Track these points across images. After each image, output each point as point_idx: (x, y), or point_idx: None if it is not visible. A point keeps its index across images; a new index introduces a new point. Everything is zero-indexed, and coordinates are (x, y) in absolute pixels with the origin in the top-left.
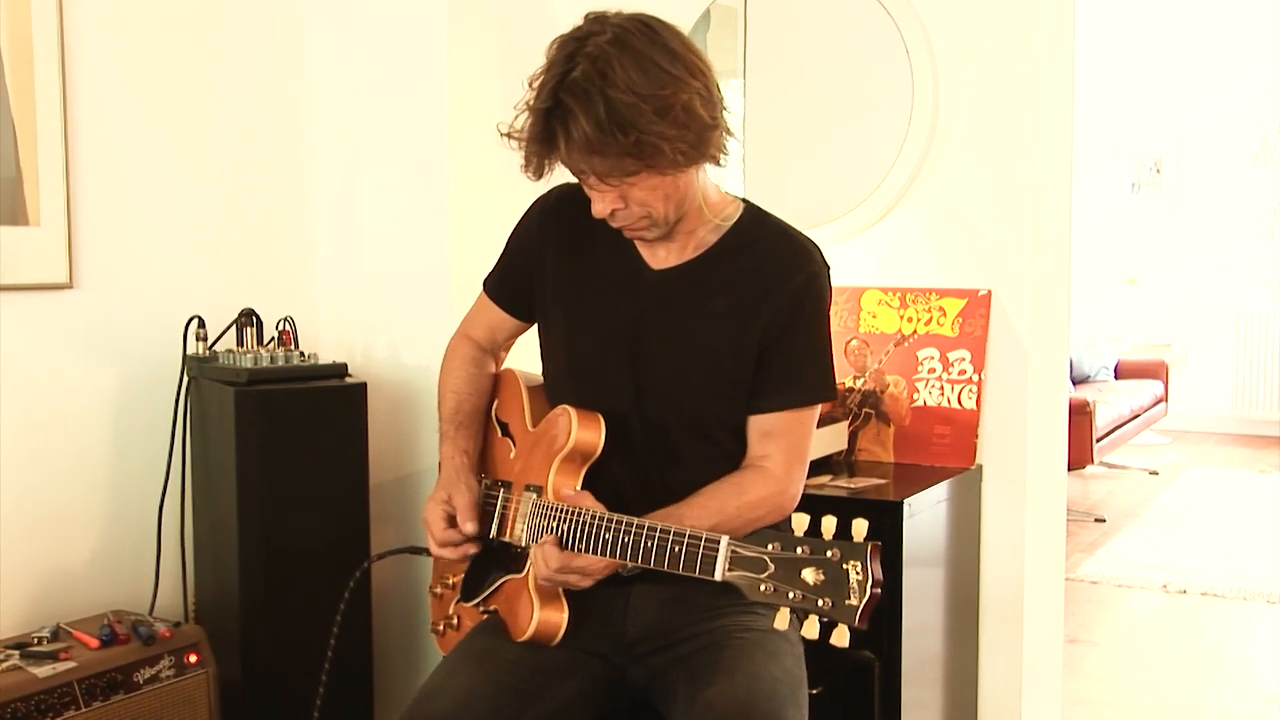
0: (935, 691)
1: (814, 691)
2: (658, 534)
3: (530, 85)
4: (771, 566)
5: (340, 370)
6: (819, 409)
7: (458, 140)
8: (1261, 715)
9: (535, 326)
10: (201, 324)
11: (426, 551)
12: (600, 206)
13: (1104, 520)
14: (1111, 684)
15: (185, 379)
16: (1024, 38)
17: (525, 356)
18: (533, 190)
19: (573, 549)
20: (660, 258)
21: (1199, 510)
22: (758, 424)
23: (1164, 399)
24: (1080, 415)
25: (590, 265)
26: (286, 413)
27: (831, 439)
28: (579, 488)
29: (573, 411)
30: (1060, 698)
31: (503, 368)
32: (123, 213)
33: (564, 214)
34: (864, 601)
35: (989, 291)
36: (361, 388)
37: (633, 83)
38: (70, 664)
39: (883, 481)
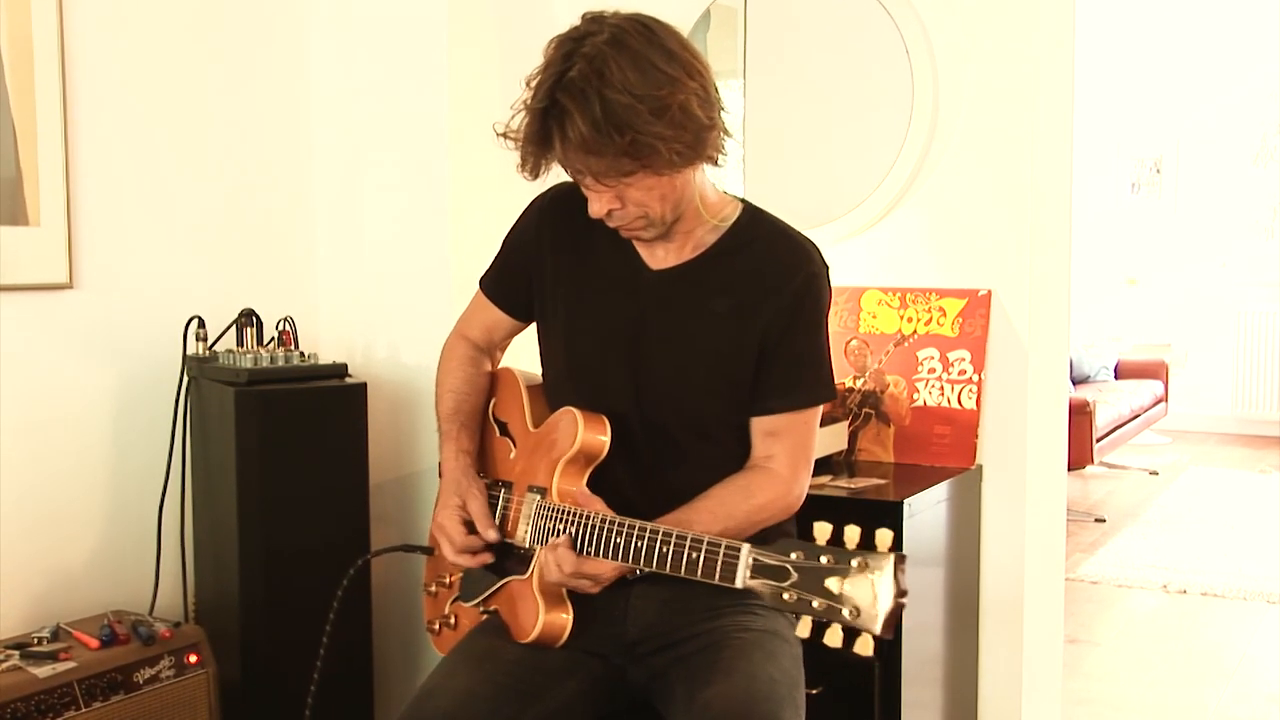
0: (935, 691)
1: (814, 691)
2: (673, 540)
3: (527, 85)
4: (795, 575)
5: (340, 370)
6: (821, 408)
7: (458, 140)
8: (1262, 715)
9: (532, 326)
10: (201, 324)
11: (423, 550)
12: (597, 206)
13: (1104, 520)
14: (1111, 684)
15: (185, 379)
16: (1024, 38)
17: (523, 355)
18: (532, 189)
19: (582, 552)
20: (659, 258)
21: (1199, 510)
22: (761, 425)
23: (1164, 399)
24: (1080, 415)
25: (589, 265)
26: (286, 413)
27: (831, 439)
28: (583, 489)
29: (578, 413)
30: (1060, 698)
31: (501, 367)
32: (123, 213)
33: (562, 213)
34: (890, 612)
35: (989, 291)
36: (361, 388)
37: (629, 83)
38: (70, 664)
39: (883, 481)
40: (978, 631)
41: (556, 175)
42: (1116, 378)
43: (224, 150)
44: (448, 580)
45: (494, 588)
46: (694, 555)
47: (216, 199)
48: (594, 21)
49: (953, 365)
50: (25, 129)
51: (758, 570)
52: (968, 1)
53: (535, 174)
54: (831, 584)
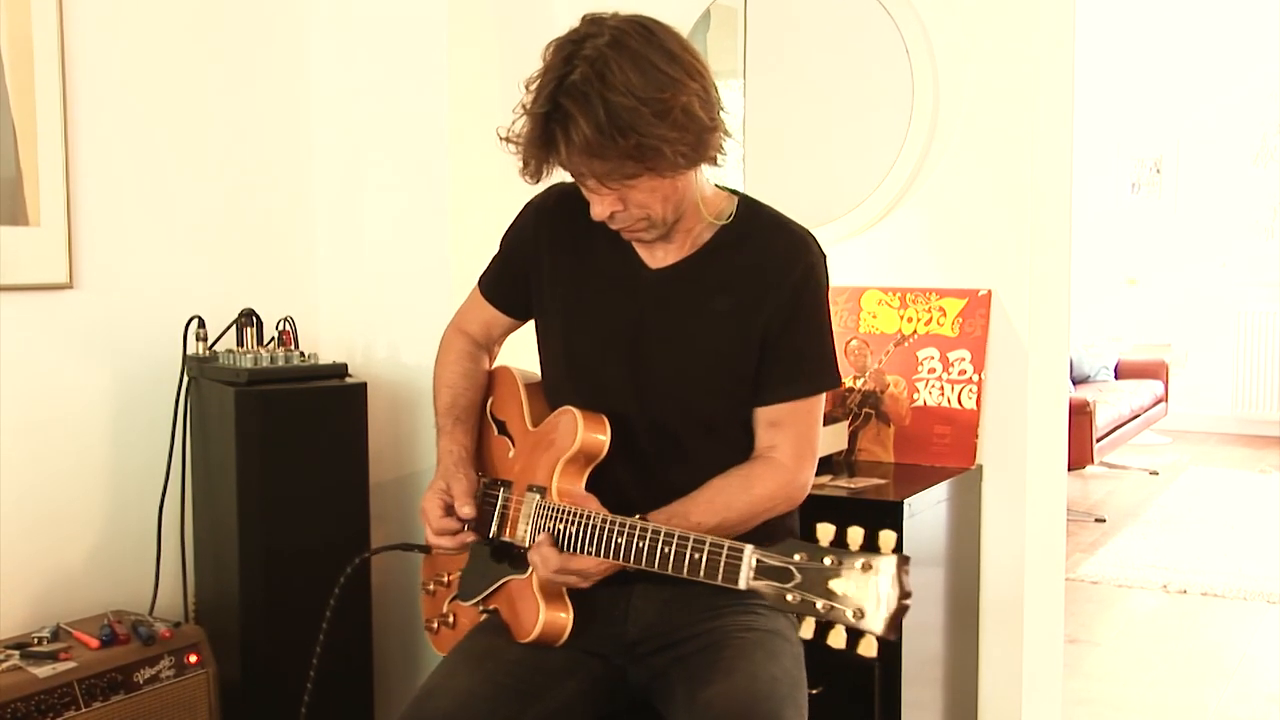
0: (935, 691)
1: (814, 691)
2: (675, 540)
3: (527, 88)
4: (798, 576)
5: (340, 370)
6: (825, 397)
7: (458, 140)
8: (1262, 715)
9: (530, 323)
10: (201, 324)
11: (420, 548)
12: (599, 209)
13: (1104, 520)
14: (1112, 684)
15: (185, 379)
16: (1024, 38)
17: (521, 353)
18: (532, 188)
19: (581, 552)
20: (658, 256)
21: (1199, 510)
22: (764, 415)
23: (1164, 399)
24: (1080, 415)
25: (588, 265)
26: (286, 413)
27: (832, 439)
28: (583, 488)
29: (578, 413)
30: (1060, 698)
31: (497, 364)
32: (123, 213)
33: (560, 213)
34: (893, 613)
35: (989, 291)
36: (361, 388)
37: (632, 85)
38: (70, 664)
39: (883, 481)
40: (978, 631)
41: (558, 177)
42: (1116, 378)
43: (224, 150)
44: (445, 579)
45: (493, 587)
46: (696, 556)
47: (216, 199)
48: (594, 23)
49: (953, 365)
50: (25, 129)
51: (761, 571)
52: (968, 1)
53: (537, 178)
54: (835, 585)
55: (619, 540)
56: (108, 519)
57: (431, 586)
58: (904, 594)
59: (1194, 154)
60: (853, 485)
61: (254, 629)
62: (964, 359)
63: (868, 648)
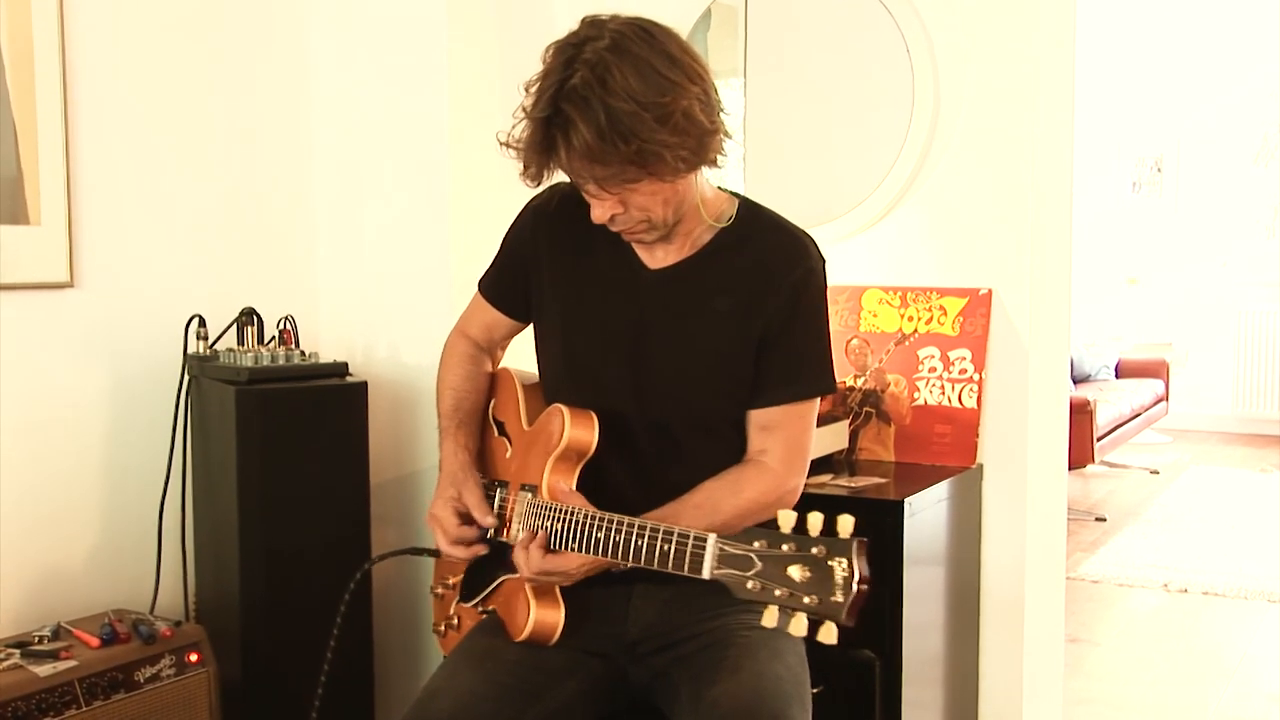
0: (936, 691)
1: (815, 691)
2: (647, 533)
3: (527, 91)
4: (758, 564)
5: (341, 369)
6: (818, 402)
7: (458, 140)
8: (1263, 715)
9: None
10: (202, 323)
11: (426, 552)
12: (599, 212)
13: (1105, 519)
14: (1112, 683)
15: (186, 378)
16: (1024, 38)
17: (523, 355)
18: (532, 189)
19: (565, 548)
20: (658, 257)
21: (1200, 509)
22: (756, 418)
23: (1165, 398)
24: (1081, 414)
25: (587, 266)
26: (287, 412)
27: (832, 438)
28: (574, 486)
29: (565, 410)
30: (1061, 697)
31: (499, 367)
32: (123, 212)
33: (559, 214)
34: (850, 598)
35: (990, 290)
36: (362, 386)
37: (633, 90)
38: (71, 663)
39: (883, 480)
40: (978, 631)
41: (559, 178)
42: (1117, 377)
43: (224, 149)
44: (452, 582)
45: (491, 587)
46: (665, 548)
47: (217, 198)
48: (593, 26)
49: (953, 364)
50: (26, 127)
51: (724, 560)
52: (968, 1)
53: (538, 181)
54: (793, 572)
55: (598, 535)
56: (108, 518)
57: (440, 590)
58: (861, 579)
59: (1195, 153)
60: (853, 484)
61: (254, 628)
62: (965, 358)
63: (828, 635)
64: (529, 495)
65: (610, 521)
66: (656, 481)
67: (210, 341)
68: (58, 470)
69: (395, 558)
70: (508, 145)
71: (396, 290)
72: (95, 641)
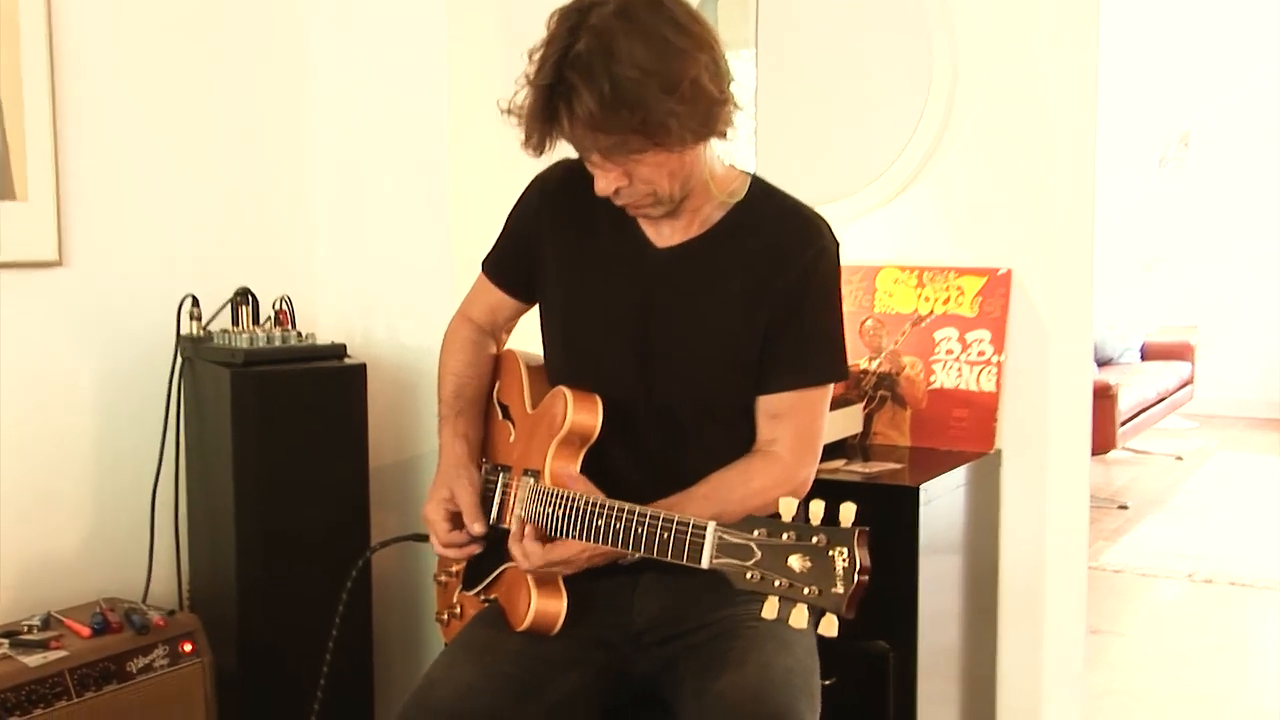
0: (952, 683)
1: (827, 683)
2: (647, 520)
3: (530, 58)
4: (758, 553)
5: (339, 351)
6: (830, 390)
7: (458, 118)
8: None
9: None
10: (196, 303)
11: (427, 539)
12: (604, 184)
13: (1127, 507)
14: (1136, 675)
15: (179, 360)
16: (1047, 6)
17: (530, 337)
18: (534, 168)
19: (565, 535)
20: (665, 235)
21: (1225, 497)
22: (766, 406)
23: (1190, 382)
24: (1104, 398)
25: (592, 244)
26: (284, 394)
27: (846, 422)
28: (577, 471)
29: (568, 393)
30: (1082, 690)
31: (505, 349)
32: (114, 187)
33: (565, 190)
34: (850, 589)
35: (1009, 270)
36: (361, 369)
37: (638, 57)
38: (61, 653)
39: (898, 466)
40: (996, 622)
41: (562, 150)
42: (1142, 359)
43: (219, 123)
44: (455, 570)
45: (492, 575)
46: (665, 536)
47: (211, 174)
48: None
49: (971, 346)
50: (12, 100)
51: (723, 549)
52: None
53: (540, 151)
54: (794, 562)
55: (599, 523)
56: (99, 504)
57: (443, 578)
58: (861, 569)
59: (1223, 129)
60: (867, 470)
61: (251, 617)
62: (983, 340)
63: (829, 627)
64: (531, 481)
65: (610, 509)
66: (661, 470)
67: (204, 322)
68: (47, 455)
69: (392, 546)
70: (509, 113)
71: (396, 269)
72: (86, 631)
